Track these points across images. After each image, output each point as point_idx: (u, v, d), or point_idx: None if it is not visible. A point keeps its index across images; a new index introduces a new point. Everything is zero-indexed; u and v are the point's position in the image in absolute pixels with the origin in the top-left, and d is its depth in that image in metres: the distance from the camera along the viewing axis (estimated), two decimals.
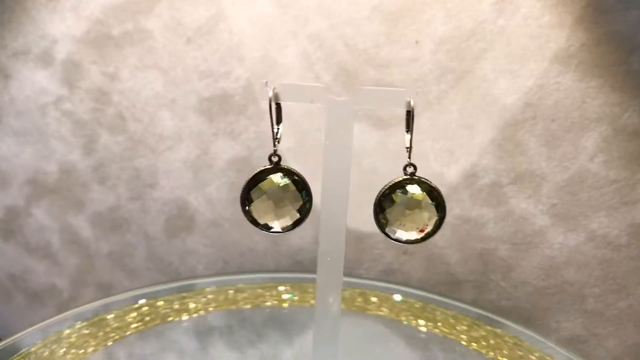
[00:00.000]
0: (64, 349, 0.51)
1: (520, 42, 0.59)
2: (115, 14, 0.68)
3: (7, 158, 0.77)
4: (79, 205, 0.76)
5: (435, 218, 0.39)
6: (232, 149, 0.69)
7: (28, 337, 0.52)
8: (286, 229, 0.39)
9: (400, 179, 0.39)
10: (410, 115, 0.39)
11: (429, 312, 0.59)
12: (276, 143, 0.39)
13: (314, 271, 0.68)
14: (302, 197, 0.39)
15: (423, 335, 0.56)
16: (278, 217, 0.39)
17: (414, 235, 0.39)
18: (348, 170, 0.41)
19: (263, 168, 0.38)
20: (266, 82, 0.38)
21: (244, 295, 0.62)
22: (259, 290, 0.62)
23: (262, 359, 0.54)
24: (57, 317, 0.56)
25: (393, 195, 0.39)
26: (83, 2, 0.69)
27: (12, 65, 0.73)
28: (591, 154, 0.60)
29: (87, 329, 0.55)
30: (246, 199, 0.38)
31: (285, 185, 0.38)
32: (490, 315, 0.58)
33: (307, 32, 0.64)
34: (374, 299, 0.61)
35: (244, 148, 0.69)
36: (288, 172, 0.39)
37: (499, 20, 0.59)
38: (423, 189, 0.39)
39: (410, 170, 0.39)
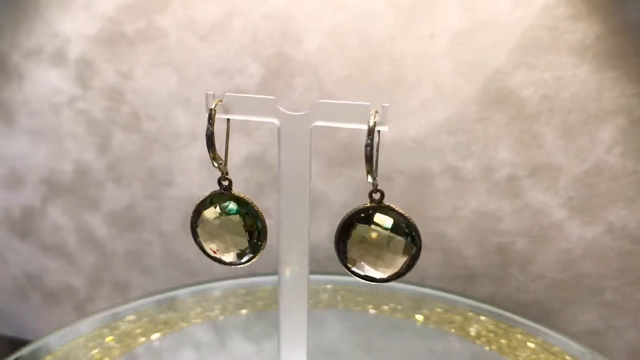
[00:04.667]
0: (86, 353, 0.51)
1: (535, 34, 0.59)
2: (128, 12, 0.68)
3: (21, 158, 0.77)
4: (95, 204, 0.77)
5: (405, 258, 0.32)
6: (246, 146, 0.69)
7: (50, 340, 0.52)
8: (236, 263, 0.35)
9: (363, 207, 0.32)
10: (371, 132, 0.31)
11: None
12: (224, 165, 0.34)
13: (328, 269, 0.69)
14: (252, 228, 0.34)
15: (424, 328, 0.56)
16: (224, 250, 0.35)
17: (387, 272, 0.32)
18: (306, 193, 0.35)
19: (212, 194, 0.35)
20: (213, 93, 0.33)
21: (260, 297, 0.62)
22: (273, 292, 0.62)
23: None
24: (78, 321, 0.56)
25: (353, 229, 0.32)
26: (96, 1, 0.69)
27: (26, 65, 0.73)
28: (608, 145, 0.59)
29: (109, 334, 0.55)
30: (195, 231, 0.35)
31: (227, 220, 0.34)
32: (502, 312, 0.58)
33: (321, 27, 0.64)
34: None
35: (258, 145, 0.69)
36: (238, 201, 0.34)
37: (514, 12, 0.59)
38: (391, 220, 0.32)
39: (376, 197, 0.33)
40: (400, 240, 0.32)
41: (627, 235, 0.61)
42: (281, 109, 0.34)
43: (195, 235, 0.35)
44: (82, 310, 0.83)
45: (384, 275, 0.32)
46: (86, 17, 0.70)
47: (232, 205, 0.34)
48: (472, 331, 0.55)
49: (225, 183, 0.34)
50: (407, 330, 0.57)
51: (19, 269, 0.83)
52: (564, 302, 0.65)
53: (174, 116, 0.70)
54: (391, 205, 0.32)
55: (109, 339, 0.53)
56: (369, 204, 0.32)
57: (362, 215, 0.32)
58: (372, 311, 0.59)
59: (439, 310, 0.59)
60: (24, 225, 0.80)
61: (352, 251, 0.32)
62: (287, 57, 0.65)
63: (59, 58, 0.72)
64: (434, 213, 0.66)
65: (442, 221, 0.66)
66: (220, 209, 0.34)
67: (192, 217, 0.35)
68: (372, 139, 0.31)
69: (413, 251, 0.32)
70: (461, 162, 0.64)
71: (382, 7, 0.62)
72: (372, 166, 0.31)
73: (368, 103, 0.32)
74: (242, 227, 0.34)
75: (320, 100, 0.33)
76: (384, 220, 0.32)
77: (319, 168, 0.67)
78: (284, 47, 0.65)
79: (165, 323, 0.56)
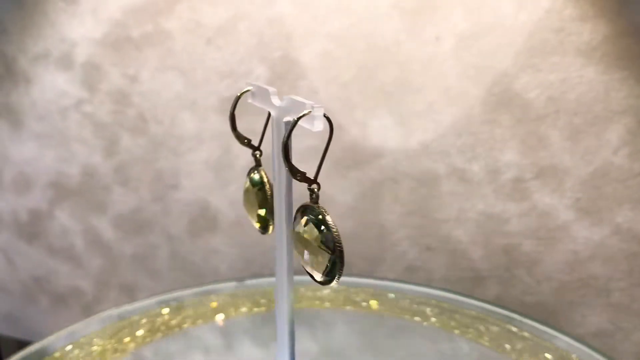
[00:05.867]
0: (90, 353, 0.51)
1: (541, 36, 0.59)
2: (134, 15, 0.69)
3: (29, 161, 0.77)
4: (102, 207, 0.77)
5: (325, 263, 0.31)
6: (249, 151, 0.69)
7: (56, 341, 0.53)
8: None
9: (305, 203, 0.32)
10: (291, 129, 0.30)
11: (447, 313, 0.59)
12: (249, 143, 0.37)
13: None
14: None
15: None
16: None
17: (318, 275, 0.31)
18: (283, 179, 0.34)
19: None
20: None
21: (266, 298, 0.62)
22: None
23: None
24: (84, 321, 0.56)
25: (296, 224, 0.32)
26: (102, 5, 0.69)
27: (33, 69, 0.74)
28: (615, 147, 0.59)
29: (114, 333, 0.55)
30: None
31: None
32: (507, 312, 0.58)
33: (327, 31, 0.64)
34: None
35: (264, 147, 0.69)
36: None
37: (519, 14, 0.59)
38: (316, 221, 0.31)
39: (315, 188, 0.31)
40: (320, 244, 0.30)
41: (634, 237, 0.61)
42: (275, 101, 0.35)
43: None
44: (89, 313, 0.83)
45: (318, 277, 0.31)
46: (93, 21, 0.70)
47: (256, 177, 0.38)
48: (480, 333, 0.55)
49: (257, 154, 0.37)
50: (414, 331, 0.57)
51: (27, 272, 0.83)
52: (571, 304, 0.64)
53: (180, 119, 0.71)
54: (321, 207, 0.31)
55: (112, 340, 0.53)
56: (308, 202, 0.31)
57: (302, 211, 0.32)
58: (378, 312, 0.59)
59: (446, 311, 0.59)
60: (32, 229, 0.81)
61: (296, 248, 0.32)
62: (293, 60, 0.65)
63: (66, 62, 0.72)
64: (440, 215, 0.66)
65: (448, 223, 0.66)
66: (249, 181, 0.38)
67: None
68: (288, 136, 0.30)
69: (329, 260, 0.30)
70: (467, 164, 0.64)
71: (388, 11, 0.62)
72: (289, 164, 0.30)
73: (311, 102, 0.30)
74: (258, 199, 0.37)
75: (286, 96, 0.33)
76: (311, 220, 0.31)
77: (324, 170, 0.67)
78: (289, 51, 0.65)
79: (170, 324, 0.56)
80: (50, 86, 0.74)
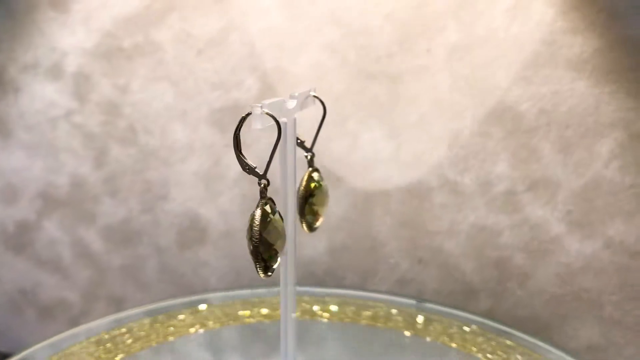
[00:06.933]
0: None
1: (533, 48, 0.59)
2: (125, 26, 0.68)
3: (17, 171, 0.77)
4: (90, 219, 0.76)
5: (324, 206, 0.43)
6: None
7: (39, 352, 0.52)
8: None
9: (310, 170, 0.42)
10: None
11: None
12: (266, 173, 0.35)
13: (326, 283, 0.68)
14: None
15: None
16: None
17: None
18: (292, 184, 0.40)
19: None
20: (261, 105, 0.34)
21: (259, 309, 0.61)
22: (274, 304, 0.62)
23: None
24: (68, 332, 0.56)
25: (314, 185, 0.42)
26: (93, 15, 0.69)
27: (22, 79, 0.73)
28: (606, 159, 0.59)
29: (99, 344, 0.54)
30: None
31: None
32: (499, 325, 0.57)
33: (319, 42, 0.64)
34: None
35: (255, 159, 0.68)
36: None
37: (511, 27, 0.59)
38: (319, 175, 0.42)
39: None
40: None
41: (626, 250, 0.60)
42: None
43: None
44: (76, 325, 0.82)
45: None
46: (84, 31, 0.70)
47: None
48: (472, 346, 0.55)
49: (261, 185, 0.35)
50: (405, 344, 0.56)
51: (13, 283, 0.82)
52: (563, 317, 0.64)
53: (171, 130, 0.70)
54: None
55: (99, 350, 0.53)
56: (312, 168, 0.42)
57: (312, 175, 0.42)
58: (369, 325, 0.59)
59: (437, 324, 0.58)
60: (19, 240, 0.80)
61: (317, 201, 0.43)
62: (285, 71, 0.65)
63: (56, 72, 0.72)
64: (431, 227, 0.66)
65: (440, 235, 0.66)
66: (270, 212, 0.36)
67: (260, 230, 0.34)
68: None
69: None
70: (459, 177, 0.64)
71: (380, 23, 0.62)
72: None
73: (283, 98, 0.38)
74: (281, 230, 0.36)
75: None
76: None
77: None
78: (281, 62, 0.65)
79: (157, 335, 0.56)
80: (40, 96, 0.73)
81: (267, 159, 0.34)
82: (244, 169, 0.34)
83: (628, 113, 0.58)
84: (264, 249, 0.34)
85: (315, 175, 0.42)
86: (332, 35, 0.63)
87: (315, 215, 0.43)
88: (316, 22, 0.63)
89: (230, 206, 0.71)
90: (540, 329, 0.64)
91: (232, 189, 0.70)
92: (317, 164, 0.43)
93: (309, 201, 0.42)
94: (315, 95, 0.42)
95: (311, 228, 0.43)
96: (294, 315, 0.42)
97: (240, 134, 0.33)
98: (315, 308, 0.61)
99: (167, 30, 0.67)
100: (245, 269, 0.73)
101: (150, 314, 0.59)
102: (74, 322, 0.82)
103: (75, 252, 0.78)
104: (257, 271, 0.34)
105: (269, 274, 0.35)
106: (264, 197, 0.35)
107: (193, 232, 0.73)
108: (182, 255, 0.74)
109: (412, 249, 0.67)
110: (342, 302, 0.62)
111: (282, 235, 0.36)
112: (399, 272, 0.68)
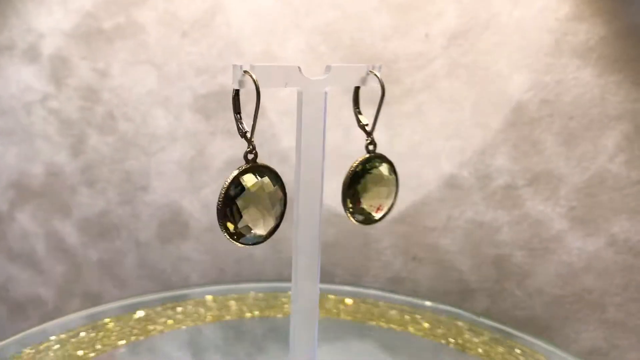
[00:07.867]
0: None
1: (536, 35, 0.56)
2: (106, 6, 0.65)
3: None
4: (66, 210, 0.72)
5: (393, 193, 0.41)
6: (230, 149, 0.65)
7: (7, 347, 0.49)
8: (267, 236, 0.35)
9: (366, 156, 0.39)
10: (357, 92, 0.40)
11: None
12: (252, 137, 0.33)
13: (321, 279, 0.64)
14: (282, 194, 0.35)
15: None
16: (265, 223, 0.34)
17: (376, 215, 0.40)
18: (321, 157, 0.39)
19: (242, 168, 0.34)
20: (240, 65, 0.32)
21: (244, 305, 0.58)
22: (260, 300, 0.58)
23: None
24: (39, 327, 0.53)
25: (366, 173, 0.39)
26: None
27: None
28: (612, 153, 0.56)
29: (74, 340, 0.51)
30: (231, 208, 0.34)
31: (268, 185, 0.34)
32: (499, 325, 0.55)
33: (311, 25, 0.60)
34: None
35: (242, 147, 0.65)
36: (264, 170, 0.34)
37: (514, 12, 0.56)
38: (387, 165, 0.40)
39: (371, 148, 0.39)
40: (392, 179, 0.40)
41: (630, 249, 0.58)
42: (304, 76, 0.35)
43: (225, 209, 0.34)
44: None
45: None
46: (62, 12, 0.66)
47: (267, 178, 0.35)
48: (469, 345, 0.52)
49: (251, 157, 0.34)
50: (405, 343, 0.53)
51: None
52: (565, 319, 0.61)
53: (153, 117, 0.67)
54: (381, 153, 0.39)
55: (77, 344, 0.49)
56: (368, 155, 0.39)
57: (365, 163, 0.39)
58: (367, 323, 0.56)
59: (437, 323, 0.55)
60: None
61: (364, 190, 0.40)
62: (274, 55, 0.62)
63: (32, 54, 0.68)
64: (428, 223, 0.63)
65: (435, 232, 0.63)
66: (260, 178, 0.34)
67: (228, 189, 0.33)
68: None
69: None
70: (457, 169, 0.61)
71: (376, 5, 0.59)
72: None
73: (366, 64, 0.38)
74: (278, 195, 0.35)
75: (332, 65, 0.37)
76: (382, 166, 0.40)
77: None
78: (270, 45, 0.62)
79: (137, 330, 0.52)
80: (15, 79, 0.69)
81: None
82: (238, 132, 0.33)
83: (635, 104, 0.55)
84: (230, 212, 0.33)
85: (372, 162, 0.40)
86: (324, 18, 0.60)
87: (356, 204, 0.40)
88: (307, 4, 0.60)
89: (214, 198, 0.68)
90: (540, 331, 0.62)
91: (216, 180, 0.67)
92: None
93: (354, 188, 0.39)
94: (374, 72, 0.39)
95: (355, 218, 0.40)
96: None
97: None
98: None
99: (150, 11, 0.64)
100: (228, 265, 0.70)
101: (127, 309, 0.56)
102: (47, 319, 0.78)
103: (49, 245, 0.74)
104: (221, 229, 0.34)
105: (241, 242, 0.34)
106: (247, 161, 0.34)
107: (174, 225, 0.70)
108: (162, 250, 0.71)
109: (406, 245, 0.64)
110: (334, 299, 0.59)
111: (263, 207, 0.34)
112: (392, 269, 0.65)
